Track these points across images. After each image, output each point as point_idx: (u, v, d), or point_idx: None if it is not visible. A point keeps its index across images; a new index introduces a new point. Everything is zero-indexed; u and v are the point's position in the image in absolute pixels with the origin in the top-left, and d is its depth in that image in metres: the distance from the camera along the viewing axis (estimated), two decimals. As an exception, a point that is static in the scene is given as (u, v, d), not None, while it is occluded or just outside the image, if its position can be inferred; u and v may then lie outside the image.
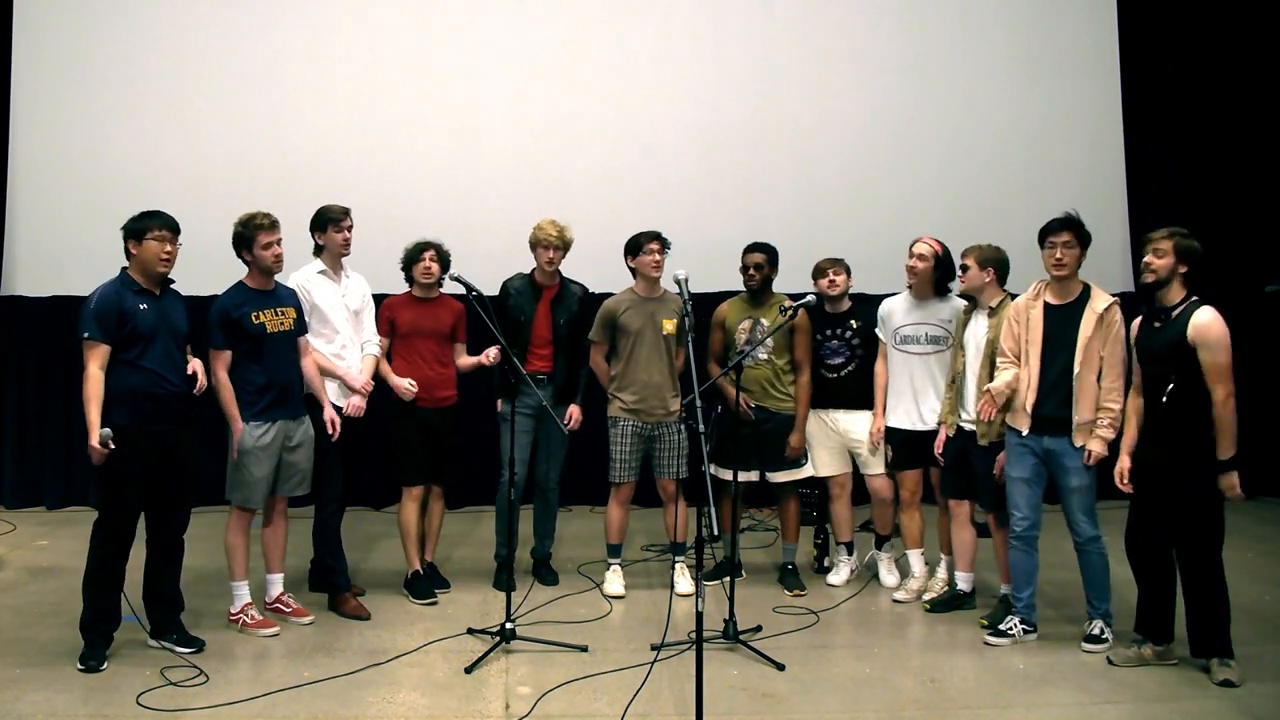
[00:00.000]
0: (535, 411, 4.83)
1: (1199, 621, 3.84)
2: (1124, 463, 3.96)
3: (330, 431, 4.39)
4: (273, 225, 4.28)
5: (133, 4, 6.62)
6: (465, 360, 4.89)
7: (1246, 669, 3.81)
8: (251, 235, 4.23)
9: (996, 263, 4.44)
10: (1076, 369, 4.01)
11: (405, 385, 4.68)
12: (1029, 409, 4.10)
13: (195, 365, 4.05)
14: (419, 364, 4.76)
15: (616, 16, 6.86)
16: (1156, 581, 3.93)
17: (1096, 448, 4.00)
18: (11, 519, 6.24)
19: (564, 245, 4.90)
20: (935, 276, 4.70)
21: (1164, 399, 3.76)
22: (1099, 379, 4.02)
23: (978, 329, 4.46)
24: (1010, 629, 4.18)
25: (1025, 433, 4.12)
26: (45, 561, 5.35)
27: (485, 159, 6.69)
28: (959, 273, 4.46)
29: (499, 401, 4.94)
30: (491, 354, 4.70)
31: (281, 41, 6.68)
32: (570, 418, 4.94)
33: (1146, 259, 3.87)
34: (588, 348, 4.99)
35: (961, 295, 4.61)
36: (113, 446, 3.71)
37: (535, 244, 4.90)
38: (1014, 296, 4.41)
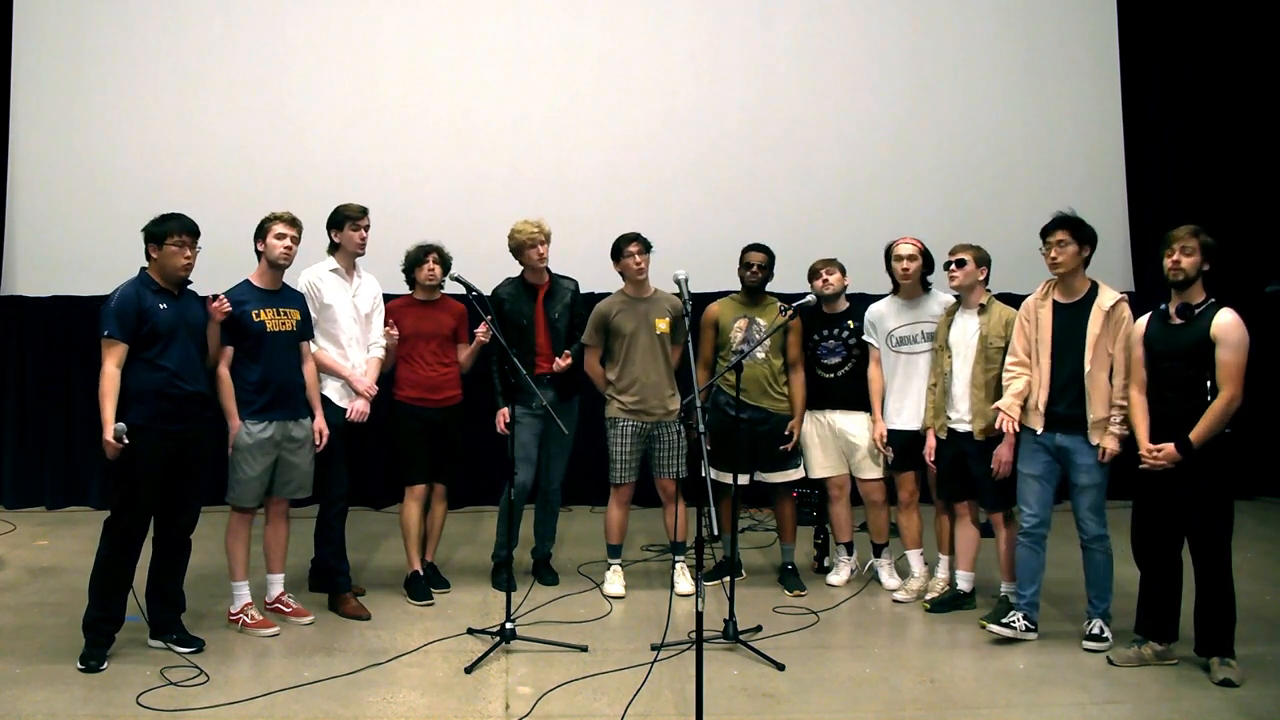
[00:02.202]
0: (542, 412, 4.80)
1: (1207, 620, 3.84)
2: (1146, 447, 3.85)
3: (317, 442, 4.39)
4: (291, 221, 4.31)
5: (133, 3, 6.63)
6: (463, 355, 4.88)
7: (1246, 669, 3.81)
8: (268, 225, 4.27)
9: (989, 263, 4.49)
10: (1088, 368, 4.02)
11: (387, 330, 4.68)
12: (1042, 408, 4.11)
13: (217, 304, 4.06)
14: (421, 365, 4.75)
15: (615, 17, 6.86)
16: (1164, 580, 3.93)
17: (1111, 445, 4.00)
18: (11, 519, 6.24)
19: (547, 237, 4.86)
20: (924, 273, 4.73)
21: (1207, 399, 3.74)
22: (1110, 376, 4.02)
23: (966, 328, 4.46)
24: (1013, 621, 4.18)
25: (1040, 431, 4.13)
26: (45, 561, 5.35)
27: (485, 159, 6.70)
28: (955, 267, 4.46)
29: (504, 411, 4.83)
30: (481, 330, 4.70)
31: (282, 42, 6.68)
32: (557, 364, 4.85)
33: (1175, 258, 3.82)
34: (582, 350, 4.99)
35: (955, 290, 4.59)
36: (127, 441, 3.73)
37: (520, 247, 4.84)
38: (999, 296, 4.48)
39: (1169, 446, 3.78)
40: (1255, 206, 6.97)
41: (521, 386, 4.38)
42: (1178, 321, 3.83)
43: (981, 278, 4.47)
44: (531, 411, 4.79)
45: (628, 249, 4.80)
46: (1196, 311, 3.79)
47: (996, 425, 4.26)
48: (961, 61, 7.00)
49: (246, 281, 4.32)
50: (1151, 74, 7.11)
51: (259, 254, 4.32)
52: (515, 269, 5.03)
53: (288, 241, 4.28)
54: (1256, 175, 7.00)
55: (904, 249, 4.72)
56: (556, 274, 5.02)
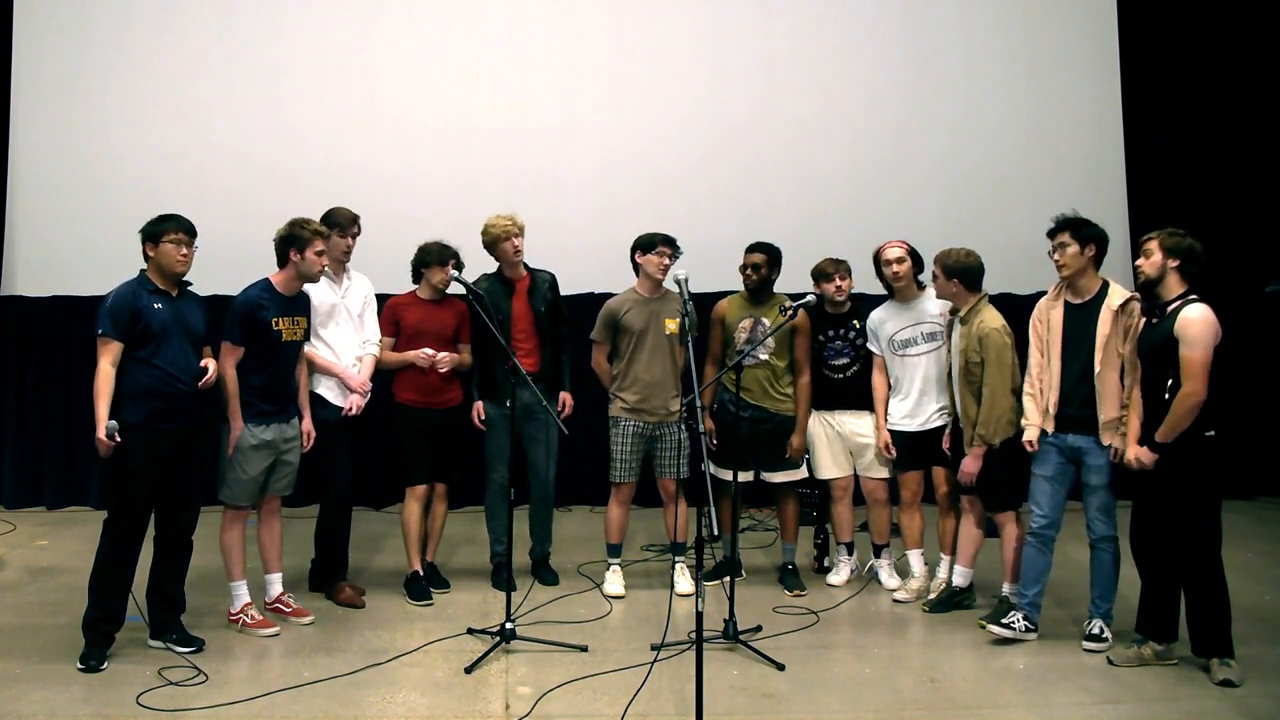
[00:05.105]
0: (520, 412, 4.76)
1: (1200, 620, 3.84)
2: (1133, 452, 3.89)
3: (304, 444, 4.39)
4: (327, 236, 4.31)
5: (133, 4, 6.62)
6: (464, 355, 4.87)
7: (1246, 669, 3.81)
8: (308, 239, 4.20)
9: (961, 271, 4.40)
10: (1097, 368, 4.02)
11: (423, 354, 4.65)
12: (1053, 410, 4.12)
13: (208, 361, 4.03)
14: (424, 368, 4.74)
15: (617, 16, 6.86)
16: (1161, 580, 3.93)
17: (1122, 444, 3.98)
18: (11, 519, 6.23)
19: (521, 230, 4.83)
20: (913, 272, 4.74)
21: (1166, 396, 3.76)
22: (1122, 376, 4.02)
23: (956, 337, 4.48)
24: (1012, 622, 4.18)
25: (1052, 432, 4.13)
26: (45, 561, 5.35)
27: (485, 158, 6.68)
28: (931, 280, 4.48)
29: (478, 405, 4.86)
30: (443, 360, 4.70)
31: (282, 42, 6.68)
32: (564, 406, 4.92)
33: (1137, 262, 3.94)
34: (569, 337, 5.00)
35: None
36: (118, 439, 3.74)
37: (495, 241, 4.81)
38: (992, 297, 4.49)
39: (1143, 450, 3.83)
40: (1255, 206, 6.97)
41: (517, 388, 4.33)
42: (1154, 321, 3.88)
43: (954, 289, 4.43)
44: (504, 411, 4.75)
45: (660, 248, 4.76)
46: (1168, 310, 3.81)
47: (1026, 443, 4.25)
48: (962, 62, 7.00)
49: (268, 283, 4.26)
50: (1151, 75, 7.11)
51: (285, 258, 4.23)
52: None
53: (325, 259, 4.29)
54: (1256, 175, 7.00)
55: (891, 253, 4.73)
56: (534, 268, 4.98)
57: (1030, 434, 4.20)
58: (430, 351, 4.67)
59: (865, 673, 3.92)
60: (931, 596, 4.67)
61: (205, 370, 3.98)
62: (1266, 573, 5.20)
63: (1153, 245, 3.88)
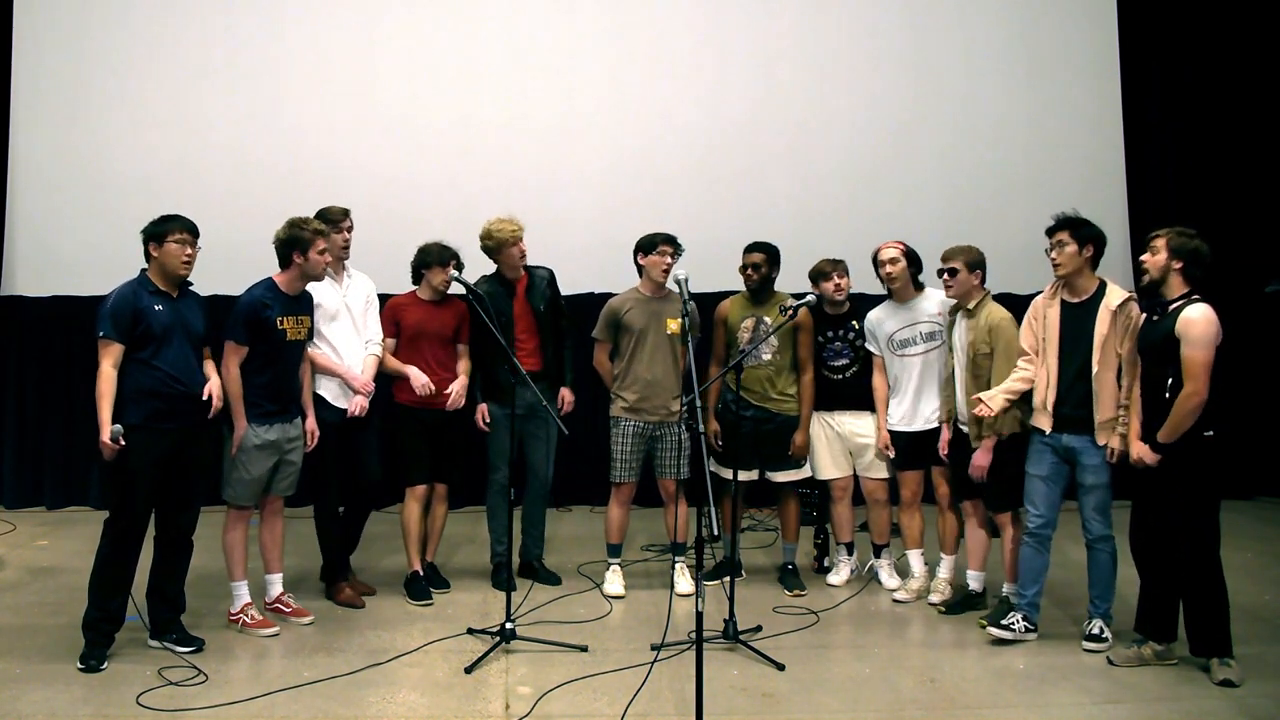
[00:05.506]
0: (524, 411, 4.76)
1: (1200, 620, 3.84)
2: (1136, 449, 3.88)
3: (308, 443, 4.39)
4: (327, 235, 4.30)
5: (133, 3, 6.62)
6: (463, 364, 4.86)
7: (1246, 669, 3.81)
8: (310, 239, 4.20)
9: (982, 264, 4.46)
10: (1095, 368, 4.01)
11: (422, 381, 4.65)
12: (1049, 408, 4.11)
13: (212, 388, 4.00)
14: (423, 366, 4.72)
15: (617, 16, 6.86)
16: (1160, 580, 3.92)
17: (1119, 445, 3.99)
18: (11, 519, 6.24)
19: (523, 232, 4.85)
20: (911, 273, 4.73)
21: (1165, 395, 3.77)
22: (1119, 376, 4.02)
23: (962, 332, 4.47)
24: (1012, 623, 4.18)
25: (1048, 431, 4.13)
26: (45, 561, 5.35)
27: (485, 158, 6.69)
28: (947, 276, 4.47)
29: (482, 407, 4.87)
30: (453, 393, 4.72)
31: (282, 40, 6.68)
32: (563, 403, 4.93)
33: (1143, 257, 3.93)
34: (569, 331, 5.01)
35: (952, 298, 4.59)
36: (123, 443, 3.74)
37: (500, 246, 4.80)
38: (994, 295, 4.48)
39: (1145, 448, 3.83)
40: (1255, 206, 6.97)
41: (519, 389, 4.32)
42: (1155, 319, 3.88)
43: (976, 281, 4.45)
44: (508, 410, 4.74)
45: (661, 247, 4.78)
46: (1169, 309, 3.81)
47: (975, 411, 4.25)
48: (962, 62, 7.00)
49: (271, 281, 4.26)
50: (1151, 75, 7.11)
51: (289, 260, 4.22)
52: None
53: (327, 256, 4.29)
54: (1256, 175, 7.00)
55: (886, 254, 4.73)
56: (529, 265, 4.97)
57: (990, 392, 4.20)
58: (431, 387, 4.66)
59: (865, 673, 3.92)
60: (943, 598, 4.67)
61: (210, 401, 3.97)
62: (1266, 573, 5.20)
63: (1160, 243, 3.87)
